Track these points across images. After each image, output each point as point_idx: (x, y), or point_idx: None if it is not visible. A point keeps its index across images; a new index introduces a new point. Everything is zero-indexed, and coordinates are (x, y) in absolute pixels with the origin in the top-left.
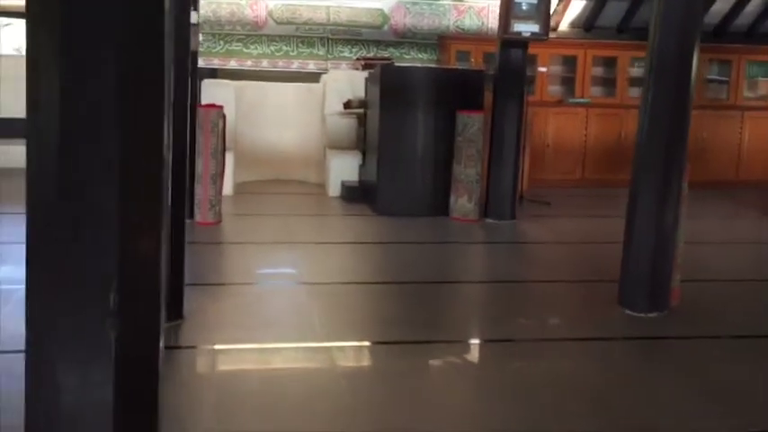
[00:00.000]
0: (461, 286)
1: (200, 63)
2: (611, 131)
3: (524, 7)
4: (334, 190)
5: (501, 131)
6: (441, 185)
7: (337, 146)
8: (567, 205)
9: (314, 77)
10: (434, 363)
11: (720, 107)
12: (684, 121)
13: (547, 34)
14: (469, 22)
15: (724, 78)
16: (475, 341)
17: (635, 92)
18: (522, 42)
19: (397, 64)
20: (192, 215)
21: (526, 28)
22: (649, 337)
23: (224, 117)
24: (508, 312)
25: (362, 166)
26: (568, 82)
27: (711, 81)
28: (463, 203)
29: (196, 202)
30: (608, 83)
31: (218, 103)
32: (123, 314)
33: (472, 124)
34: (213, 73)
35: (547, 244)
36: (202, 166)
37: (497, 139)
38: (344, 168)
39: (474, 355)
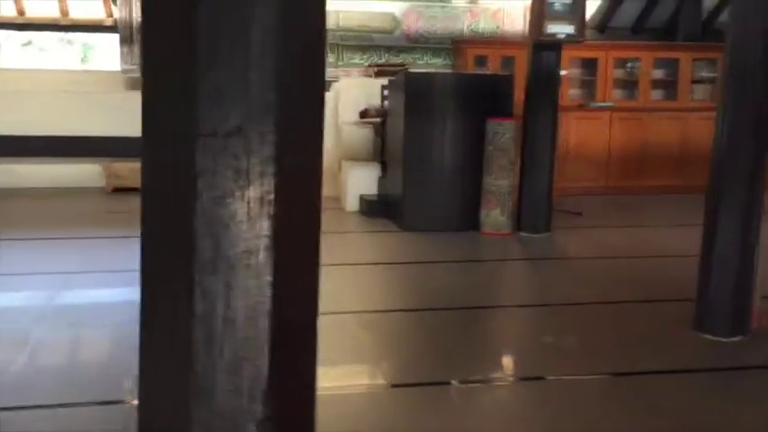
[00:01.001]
0: (509, 312)
1: None
2: (634, 136)
3: (558, 8)
4: (351, 204)
5: (534, 139)
6: (470, 198)
7: (353, 157)
8: (598, 215)
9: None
10: (498, 404)
11: (709, 108)
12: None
13: (583, 36)
14: (484, 25)
15: (711, 75)
16: (539, 378)
17: (657, 94)
18: (555, 45)
19: (416, 70)
20: None
21: (561, 29)
22: (743, 366)
23: None
24: (570, 342)
25: (383, 179)
26: (589, 85)
27: (698, 81)
28: (495, 216)
29: None
30: (629, 85)
31: None
32: (273, 423)
33: (503, 132)
34: None
35: (591, 259)
36: None
37: (530, 146)
38: (363, 181)
39: (541, 394)
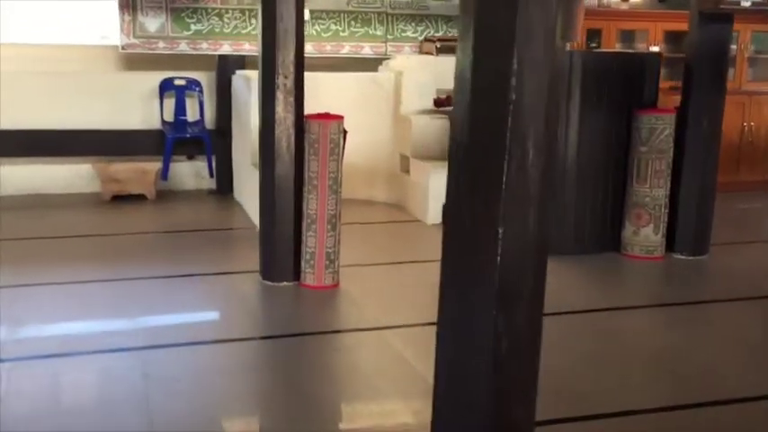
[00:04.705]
0: None
1: (227, 48)
2: (733, 123)
3: None
4: (433, 216)
5: (698, 134)
6: (607, 211)
7: (423, 155)
8: (726, 223)
9: (370, 65)
10: None
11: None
12: None
13: None
14: None
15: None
16: None
17: (754, 73)
18: (728, 16)
19: None
20: (297, 276)
21: None
22: None
23: (345, 132)
24: None
25: None
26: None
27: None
28: (647, 235)
29: (305, 257)
30: None
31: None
32: None
33: (662, 128)
34: (241, 62)
35: None
36: (317, 204)
37: (693, 144)
38: (443, 187)
39: None
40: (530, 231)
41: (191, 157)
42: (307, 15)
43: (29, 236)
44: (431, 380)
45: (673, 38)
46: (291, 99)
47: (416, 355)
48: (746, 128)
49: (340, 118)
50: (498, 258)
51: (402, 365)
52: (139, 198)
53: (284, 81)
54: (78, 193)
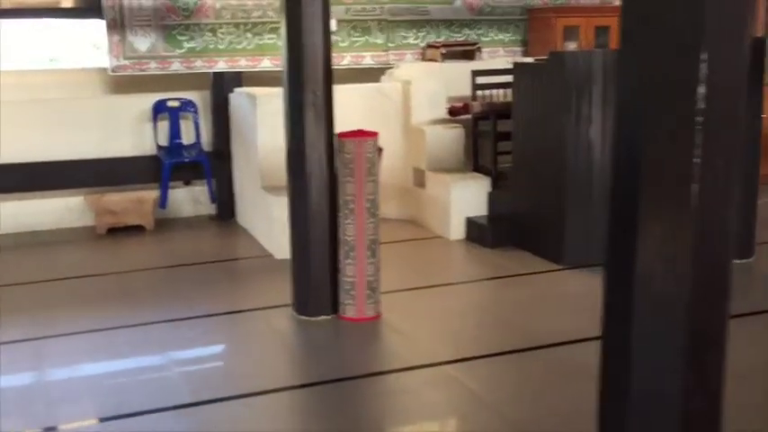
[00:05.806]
0: None
1: (222, 65)
2: None
3: None
4: (456, 231)
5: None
6: None
7: (440, 168)
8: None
9: (371, 75)
10: None
11: None
12: None
13: None
14: None
15: None
16: None
17: None
18: None
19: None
20: (335, 308)
21: None
22: None
23: (380, 150)
24: None
25: (497, 195)
26: None
27: None
28: None
29: (344, 287)
30: None
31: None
32: None
33: None
34: (238, 79)
35: None
36: (355, 229)
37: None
38: (469, 199)
39: None
40: (721, 270)
41: (187, 183)
42: (334, 26)
43: (30, 279)
44: (525, 422)
45: None
46: (323, 117)
47: (491, 391)
48: None
49: (374, 135)
50: (688, 306)
51: (480, 406)
52: (137, 229)
53: (314, 98)
54: (70, 228)
